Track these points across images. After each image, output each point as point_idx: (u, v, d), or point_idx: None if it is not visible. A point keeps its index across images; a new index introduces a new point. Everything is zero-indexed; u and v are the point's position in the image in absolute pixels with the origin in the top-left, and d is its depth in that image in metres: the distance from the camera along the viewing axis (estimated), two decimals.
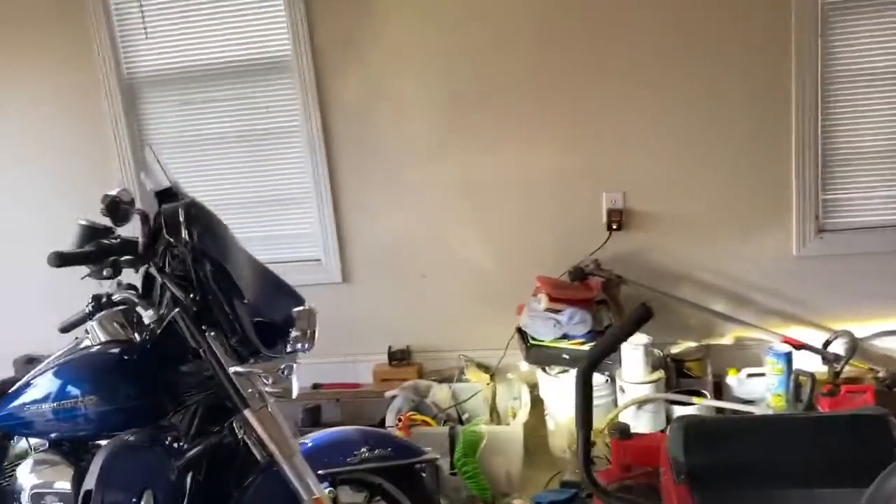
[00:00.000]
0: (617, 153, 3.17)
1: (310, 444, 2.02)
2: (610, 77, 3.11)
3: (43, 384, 1.88)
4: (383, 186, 3.38)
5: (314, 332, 1.98)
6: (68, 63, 3.43)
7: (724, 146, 3.10)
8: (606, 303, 3.08)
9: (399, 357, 3.48)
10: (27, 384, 1.93)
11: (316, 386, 3.58)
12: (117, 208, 1.78)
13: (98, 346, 1.90)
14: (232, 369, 1.83)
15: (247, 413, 1.83)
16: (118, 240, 1.88)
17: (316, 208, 3.44)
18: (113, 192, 1.80)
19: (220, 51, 3.36)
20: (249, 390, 1.83)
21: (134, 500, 1.79)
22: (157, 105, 3.49)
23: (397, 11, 3.20)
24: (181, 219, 1.79)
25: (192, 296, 1.83)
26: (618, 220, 3.20)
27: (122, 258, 1.82)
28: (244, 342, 1.87)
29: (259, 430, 1.83)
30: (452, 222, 3.37)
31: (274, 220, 3.54)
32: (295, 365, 2.01)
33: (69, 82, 3.46)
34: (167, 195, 2.02)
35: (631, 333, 1.49)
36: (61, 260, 1.73)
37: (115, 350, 1.88)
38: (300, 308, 1.99)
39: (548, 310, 2.98)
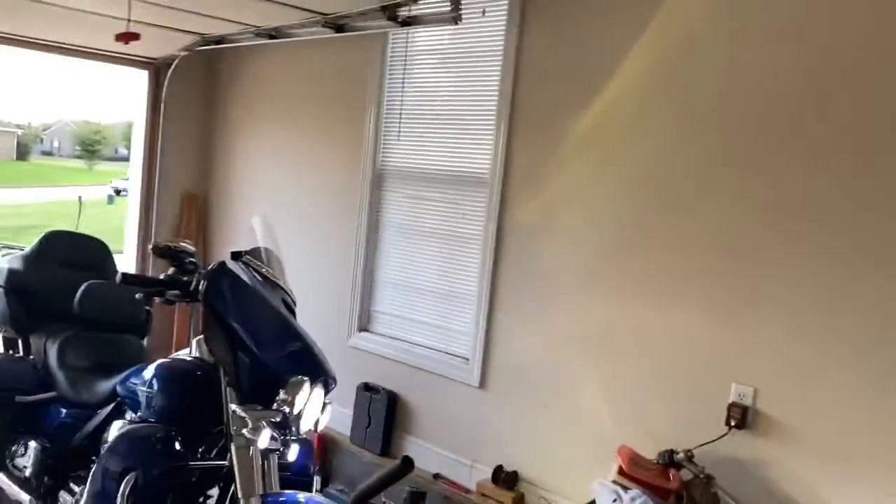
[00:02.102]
0: (761, 340, 2.80)
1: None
2: (786, 249, 2.77)
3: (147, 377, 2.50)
4: (534, 306, 3.49)
5: (307, 407, 2.19)
6: (347, 152, 4.31)
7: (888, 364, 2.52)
8: (683, 500, 2.72)
9: (503, 479, 3.50)
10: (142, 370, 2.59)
11: (437, 476, 3.78)
12: (168, 254, 2.36)
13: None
14: (234, 407, 2.24)
15: (231, 446, 2.22)
16: (182, 271, 2.45)
17: (475, 310, 3.70)
18: (170, 242, 2.40)
19: (441, 159, 3.89)
20: (243, 430, 2.17)
21: (120, 474, 2.31)
22: (392, 194, 4.16)
23: (581, 154, 3.33)
24: (200, 282, 2.28)
25: None
26: (740, 417, 2.80)
27: (171, 291, 2.39)
28: (240, 389, 2.28)
29: (234, 463, 2.20)
30: (583, 359, 3.32)
31: (445, 311, 3.89)
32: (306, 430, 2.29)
33: (345, 167, 4.33)
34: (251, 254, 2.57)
35: (389, 482, 1.49)
36: (124, 280, 2.35)
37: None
38: (295, 378, 2.20)
39: (616, 482, 2.77)
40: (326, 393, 2.43)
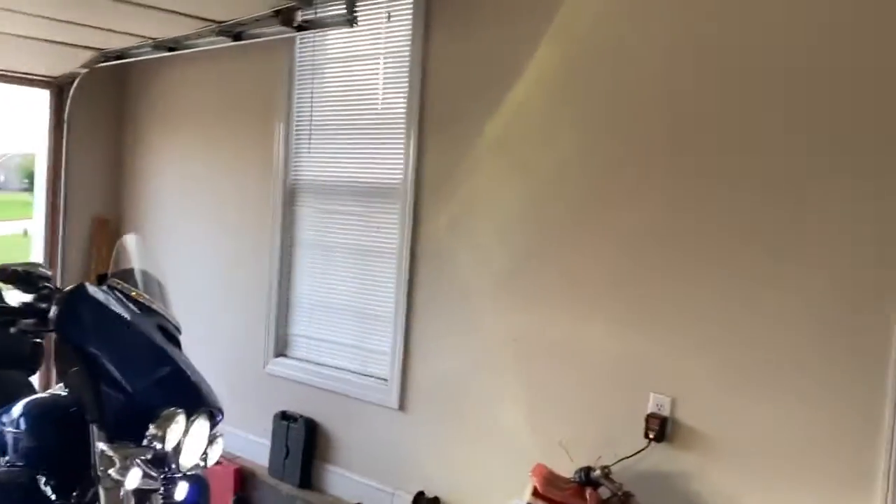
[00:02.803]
0: (677, 348, 2.67)
1: None
2: (698, 255, 2.65)
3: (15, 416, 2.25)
4: (451, 322, 3.32)
5: (187, 441, 2.00)
6: (258, 167, 4.11)
7: (812, 371, 2.41)
8: None
9: None
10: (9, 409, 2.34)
11: None
12: (17, 279, 2.13)
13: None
14: (100, 446, 2.01)
15: (99, 488, 1.99)
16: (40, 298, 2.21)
17: (392, 328, 3.52)
18: (19, 265, 2.17)
19: (352, 171, 3.72)
20: (110, 470, 1.95)
21: None
22: (305, 209, 3.96)
23: (491, 160, 3.19)
24: (54, 310, 2.06)
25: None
26: (659, 429, 2.66)
27: (25, 321, 2.15)
28: (106, 426, 2.05)
29: None
30: (501, 375, 3.15)
31: (363, 331, 3.70)
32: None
33: (256, 183, 4.13)
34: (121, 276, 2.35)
35: None
36: None
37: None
38: (167, 411, 1.99)
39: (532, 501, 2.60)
40: (213, 425, 2.24)
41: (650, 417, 2.69)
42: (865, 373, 2.29)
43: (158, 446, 2.01)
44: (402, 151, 3.47)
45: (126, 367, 2.14)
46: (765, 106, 2.49)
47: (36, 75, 4.58)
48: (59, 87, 4.67)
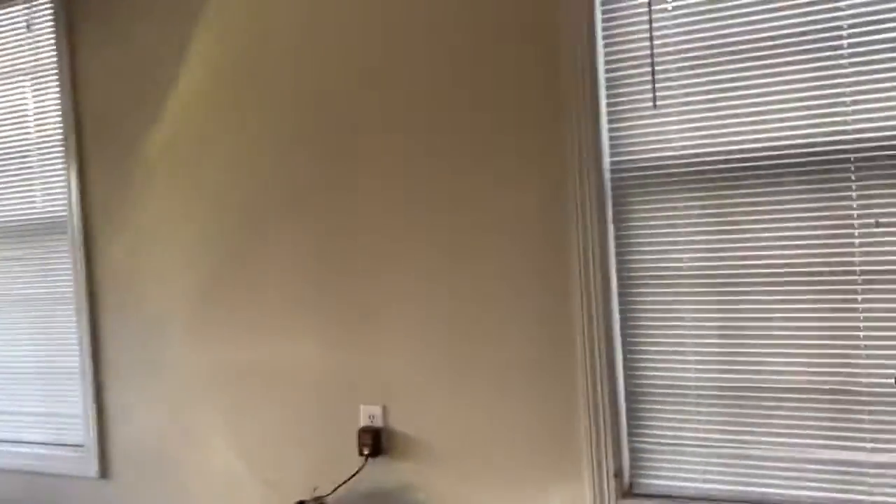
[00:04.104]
0: (382, 355, 2.47)
1: None
2: (389, 257, 2.46)
3: None
4: (148, 370, 2.89)
5: None
6: None
7: (502, 360, 2.30)
8: None
9: None
10: None
11: None
12: None
13: None
14: None
15: None
16: None
17: (81, 387, 3.00)
18: None
19: (11, 206, 3.15)
20: None
21: None
22: None
23: (160, 178, 2.81)
24: None
25: None
26: (373, 442, 2.44)
27: None
28: None
29: None
30: (210, 419, 2.77)
31: (51, 395, 3.14)
32: None
33: None
34: None
35: None
36: None
37: None
38: None
39: None
40: None
41: (363, 432, 2.45)
42: (557, 358, 2.22)
43: None
44: (63, 179, 2.99)
45: None
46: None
47: None
48: None
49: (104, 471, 2.98)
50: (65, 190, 2.98)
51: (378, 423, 2.46)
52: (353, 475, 2.45)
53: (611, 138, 2.16)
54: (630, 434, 2.17)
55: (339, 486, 2.45)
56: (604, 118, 2.15)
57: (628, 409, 2.17)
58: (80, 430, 3.05)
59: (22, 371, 3.20)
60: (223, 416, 2.74)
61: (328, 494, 2.42)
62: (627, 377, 2.17)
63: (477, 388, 2.33)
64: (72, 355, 3.05)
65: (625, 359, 2.17)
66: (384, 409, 2.46)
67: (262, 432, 2.67)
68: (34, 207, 3.10)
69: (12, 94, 3.11)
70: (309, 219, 2.56)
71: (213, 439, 2.77)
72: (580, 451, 2.20)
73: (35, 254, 3.12)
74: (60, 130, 2.99)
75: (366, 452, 2.44)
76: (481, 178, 2.29)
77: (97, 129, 2.92)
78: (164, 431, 2.87)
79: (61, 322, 3.08)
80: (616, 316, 2.16)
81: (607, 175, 2.16)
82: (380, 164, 2.44)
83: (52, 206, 3.05)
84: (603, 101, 2.15)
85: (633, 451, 2.17)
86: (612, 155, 2.16)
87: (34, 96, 3.07)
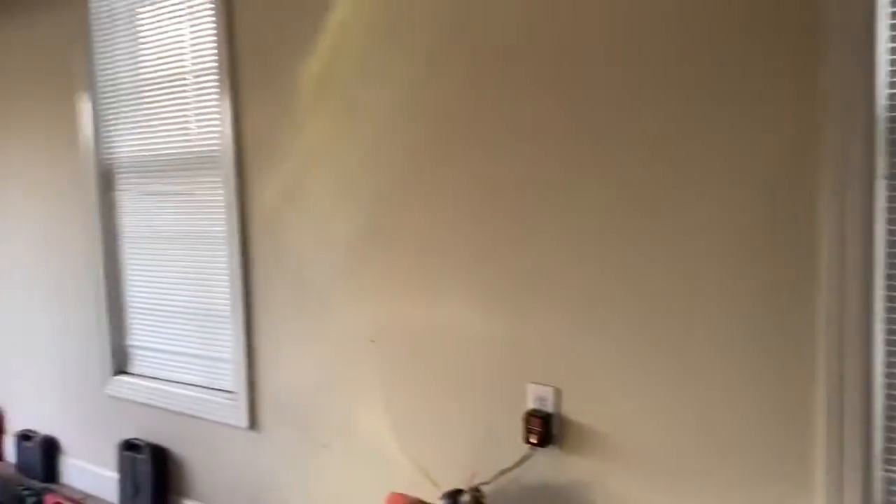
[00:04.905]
0: (554, 322, 2.07)
1: None
2: (567, 219, 2.04)
3: None
4: (297, 319, 2.68)
5: None
6: (64, 148, 3.37)
7: (719, 344, 1.83)
8: None
9: None
10: None
11: None
12: None
13: None
14: None
15: None
16: None
17: (233, 331, 2.86)
18: None
19: (170, 141, 3.01)
20: None
21: None
22: (125, 194, 3.25)
23: (318, 108, 2.53)
24: None
25: None
26: (541, 430, 2.07)
27: None
28: None
29: None
30: (358, 381, 2.52)
31: (205, 337, 3.03)
32: None
33: (65, 169, 3.39)
34: None
35: None
36: None
37: None
38: None
39: None
40: None
41: (530, 416, 2.09)
42: (792, 342, 1.72)
43: None
44: (217, 110, 2.79)
45: None
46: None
47: None
48: None
49: (253, 421, 2.84)
50: (219, 124, 2.79)
51: (548, 407, 2.09)
52: (517, 464, 2.11)
53: (892, 72, 1.59)
54: (886, 460, 1.65)
55: (500, 474, 2.12)
56: (881, 41, 1.58)
57: (886, 427, 1.65)
58: (231, 375, 2.92)
59: (180, 311, 3.11)
60: (373, 380, 2.48)
61: (486, 483, 2.09)
62: (889, 385, 1.64)
63: (674, 374, 1.88)
64: (223, 297, 2.91)
65: (887, 363, 1.64)
66: (556, 391, 2.08)
67: (413, 402, 2.38)
68: (190, 141, 2.95)
69: (169, 26, 2.93)
70: (478, 164, 2.17)
71: (360, 403, 2.52)
72: (812, 466, 1.71)
73: (191, 189, 2.98)
74: (216, 62, 2.77)
75: (532, 440, 2.08)
76: (694, 115, 1.80)
77: (252, 61, 2.68)
78: (312, 388, 2.66)
79: (215, 263, 2.94)
80: (878, 301, 1.62)
81: (881, 116, 1.60)
82: (572, 99, 1.99)
83: (207, 140, 2.87)
84: (883, 18, 1.58)
85: (888, 481, 1.66)
86: (893, 91, 1.59)
87: (191, 27, 2.87)
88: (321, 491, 2.67)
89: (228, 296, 2.87)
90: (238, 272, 2.80)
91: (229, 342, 2.92)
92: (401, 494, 2.13)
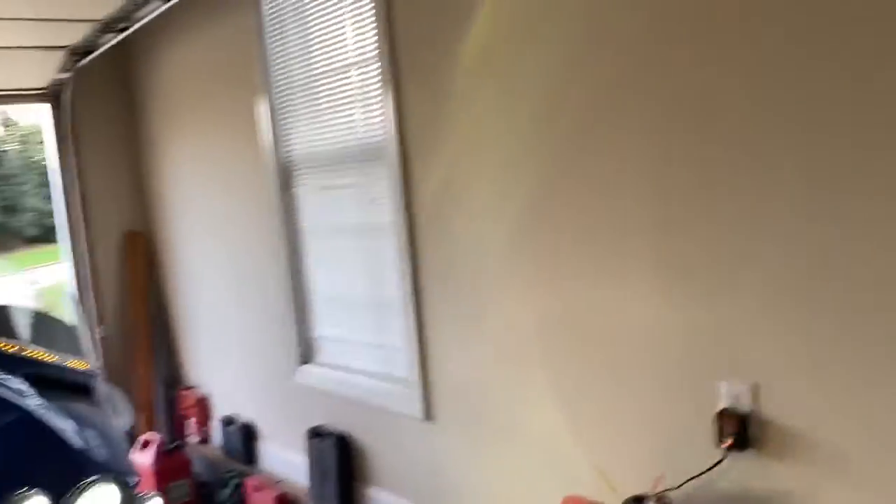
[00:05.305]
0: (748, 310, 1.81)
1: None
2: (765, 185, 1.77)
3: None
4: (464, 308, 2.60)
5: None
6: (248, 147, 3.53)
7: None
8: None
9: None
10: None
11: None
12: None
13: None
14: None
15: None
16: None
17: (404, 321, 2.84)
18: None
19: (340, 136, 3.05)
20: None
21: None
22: (302, 189, 3.35)
23: (476, 89, 2.41)
24: None
25: None
26: (736, 432, 1.82)
27: None
28: None
29: None
30: (527, 371, 2.40)
31: (379, 325, 3.05)
32: None
33: (249, 165, 3.56)
34: None
35: None
36: None
37: None
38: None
39: None
40: (130, 490, 1.75)
41: (723, 416, 1.85)
42: None
43: None
44: (380, 104, 2.76)
45: None
46: None
47: (28, 90, 4.24)
48: (55, 99, 4.31)
49: (428, 412, 2.80)
50: (382, 115, 2.76)
51: (744, 406, 1.83)
52: (709, 469, 1.87)
53: None
54: None
55: (689, 480, 1.89)
56: None
57: None
58: (405, 365, 2.90)
59: (354, 300, 3.16)
60: (546, 373, 2.34)
61: (673, 489, 1.88)
62: None
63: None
64: (394, 287, 2.90)
65: None
66: (754, 387, 1.81)
67: (588, 399, 2.21)
68: (357, 134, 2.95)
69: (332, 21, 2.95)
70: (656, 133, 1.95)
71: (533, 398, 2.39)
72: None
73: (360, 182, 3.00)
74: (376, 54, 2.74)
75: (726, 443, 1.83)
76: None
77: (410, 51, 2.62)
78: (483, 380, 2.57)
79: (384, 253, 2.93)
80: None
81: None
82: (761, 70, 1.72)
83: (372, 132, 2.86)
84: None
85: None
86: None
87: (352, 19, 2.86)
88: (496, 487, 2.58)
89: (399, 286, 2.85)
90: (406, 263, 2.77)
91: (400, 331, 2.90)
92: (577, 498, 1.97)
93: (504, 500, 2.56)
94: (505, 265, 2.42)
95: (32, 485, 1.62)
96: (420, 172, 2.67)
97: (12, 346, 1.86)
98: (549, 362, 2.32)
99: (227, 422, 4.03)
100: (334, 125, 3.06)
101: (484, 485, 2.64)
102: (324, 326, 3.39)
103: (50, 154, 4.42)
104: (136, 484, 1.86)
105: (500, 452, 2.55)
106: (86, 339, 2.14)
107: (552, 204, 2.23)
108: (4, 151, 10.78)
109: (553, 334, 2.29)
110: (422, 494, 2.90)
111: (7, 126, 10.35)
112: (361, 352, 3.17)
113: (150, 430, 4.20)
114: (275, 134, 3.37)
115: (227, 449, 4.03)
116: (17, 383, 1.81)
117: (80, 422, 1.84)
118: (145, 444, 4.01)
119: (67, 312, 4.11)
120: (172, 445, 4.05)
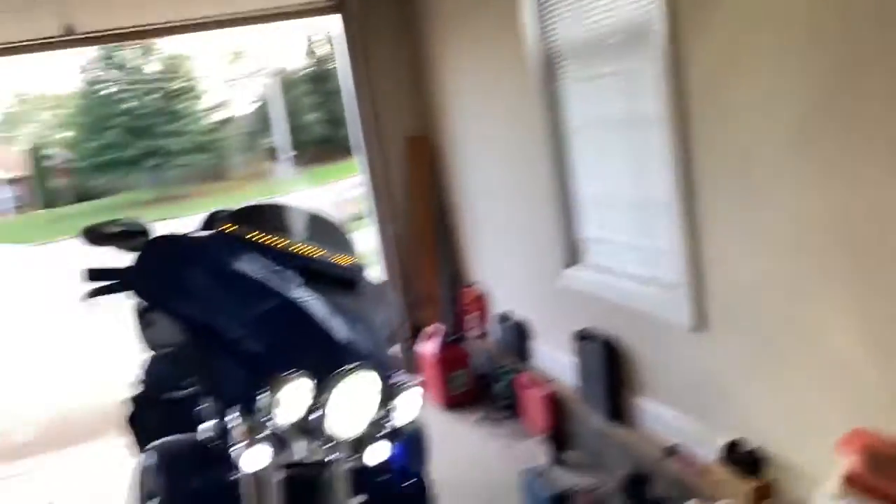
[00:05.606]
0: None
1: None
2: None
3: None
4: (745, 206, 2.27)
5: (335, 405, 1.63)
6: (511, 37, 3.41)
7: None
8: None
9: (741, 460, 2.40)
10: None
11: (671, 450, 2.80)
12: (109, 239, 1.91)
13: None
14: (229, 418, 1.72)
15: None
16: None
17: (673, 221, 2.58)
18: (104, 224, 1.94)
19: (600, 21, 2.78)
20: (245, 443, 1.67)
21: None
22: (566, 80, 3.16)
23: None
24: (133, 270, 1.82)
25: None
26: None
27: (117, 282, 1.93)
28: (224, 397, 1.79)
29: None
30: (822, 284, 2.03)
31: (644, 225, 2.83)
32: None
33: (511, 57, 3.45)
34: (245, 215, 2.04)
35: None
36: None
37: None
38: (281, 376, 1.64)
39: (846, 494, 1.60)
40: (389, 379, 1.82)
41: None
42: None
43: (274, 416, 1.68)
44: None
45: (235, 325, 1.83)
46: None
47: (319, 3, 4.54)
48: (346, 10, 4.55)
49: (698, 320, 2.56)
50: None
51: None
52: None
53: None
54: None
55: None
56: None
57: None
58: (674, 268, 2.66)
59: (618, 199, 2.96)
60: (841, 282, 1.96)
61: None
62: None
63: None
64: (663, 183, 2.63)
65: None
66: None
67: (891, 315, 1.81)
68: (621, 13, 2.67)
69: None
70: None
71: (824, 309, 2.03)
72: None
73: (625, 69, 2.73)
74: None
75: None
76: None
77: None
78: (766, 286, 2.24)
79: (651, 148, 2.66)
80: None
81: None
82: None
83: (638, 9, 2.56)
84: None
85: None
86: None
87: None
88: (774, 408, 2.29)
89: (666, 182, 2.58)
90: (675, 156, 2.48)
91: (669, 232, 2.65)
92: (867, 432, 1.64)
93: (782, 422, 2.26)
94: (792, 155, 2.04)
95: (296, 369, 1.68)
96: (693, 54, 2.33)
97: (282, 242, 1.98)
98: (845, 270, 1.94)
99: (503, 319, 4.12)
100: (597, 6, 2.80)
101: (760, 404, 2.35)
102: (589, 227, 3.24)
103: (341, 64, 4.73)
104: (397, 375, 1.85)
105: (781, 371, 2.24)
106: (365, 240, 2.18)
107: (854, 83, 1.79)
108: (332, 68, 11.93)
109: (856, 239, 1.90)
110: (690, 406, 2.69)
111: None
112: (628, 255, 2.98)
113: (436, 323, 4.47)
114: (538, 24, 3.20)
115: (503, 345, 4.14)
116: (288, 275, 1.91)
117: (344, 314, 1.88)
118: (430, 336, 4.30)
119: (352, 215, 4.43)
120: (454, 338, 4.29)
